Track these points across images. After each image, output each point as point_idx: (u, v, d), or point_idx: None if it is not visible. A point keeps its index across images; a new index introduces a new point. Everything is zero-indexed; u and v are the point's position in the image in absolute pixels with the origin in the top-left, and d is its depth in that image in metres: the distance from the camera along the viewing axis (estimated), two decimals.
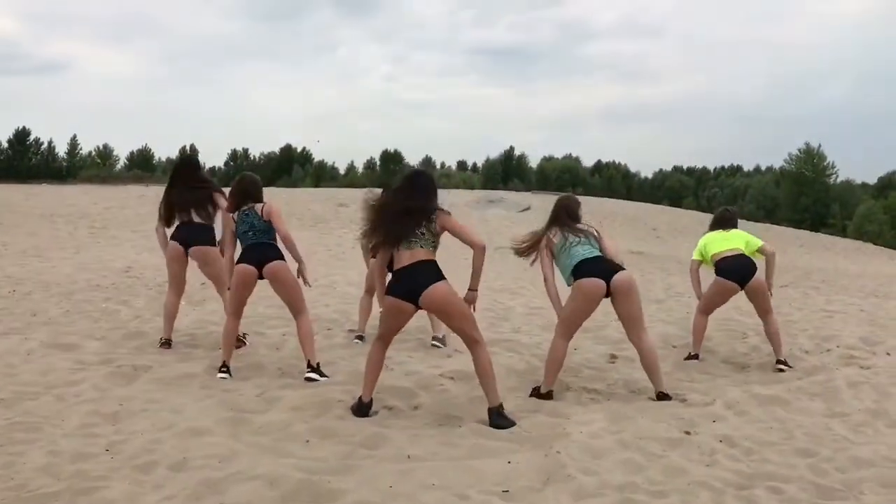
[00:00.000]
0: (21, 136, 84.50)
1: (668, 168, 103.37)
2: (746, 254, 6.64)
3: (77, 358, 5.99)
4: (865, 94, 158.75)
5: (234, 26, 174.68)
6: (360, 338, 6.99)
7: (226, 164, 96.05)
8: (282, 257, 5.74)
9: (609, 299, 5.41)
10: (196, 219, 6.41)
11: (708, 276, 6.86)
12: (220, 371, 5.68)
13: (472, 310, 4.88)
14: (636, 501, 3.65)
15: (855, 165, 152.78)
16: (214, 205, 6.46)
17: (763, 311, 6.62)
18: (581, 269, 5.39)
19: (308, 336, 5.75)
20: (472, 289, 4.89)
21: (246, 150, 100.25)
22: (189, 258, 6.43)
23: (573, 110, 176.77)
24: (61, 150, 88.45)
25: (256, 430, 4.51)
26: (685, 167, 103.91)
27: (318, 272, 12.08)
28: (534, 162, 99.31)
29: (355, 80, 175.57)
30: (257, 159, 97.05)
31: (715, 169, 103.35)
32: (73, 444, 4.16)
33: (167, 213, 6.53)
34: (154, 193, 20.21)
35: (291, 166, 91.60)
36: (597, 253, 5.47)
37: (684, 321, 8.22)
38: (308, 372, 5.63)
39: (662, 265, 16.28)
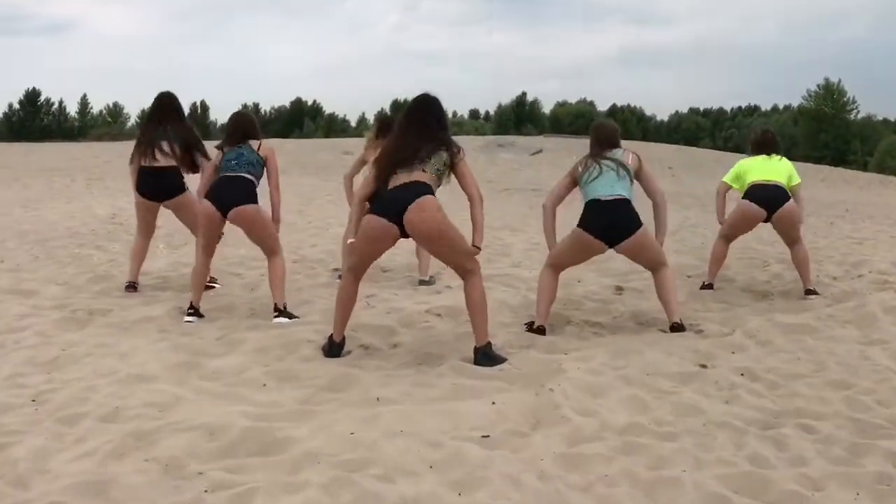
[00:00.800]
0: (32, 96, 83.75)
1: (685, 110, 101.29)
2: (785, 188, 5.95)
3: (33, 303, 5.47)
4: (887, 29, 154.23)
5: None
6: None
7: None
8: (251, 199, 5.14)
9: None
10: (160, 160, 5.85)
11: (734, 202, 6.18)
12: (188, 314, 5.16)
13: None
14: (642, 445, 3.07)
15: (877, 101, 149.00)
16: (188, 153, 5.91)
17: (791, 240, 5.97)
18: (586, 216, 4.83)
19: (279, 278, 5.23)
20: (477, 245, 4.28)
21: (256, 105, 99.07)
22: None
23: (587, 55, 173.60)
24: (72, 109, 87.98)
25: (208, 375, 3.96)
26: (701, 109, 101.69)
27: (313, 216, 11.55)
28: (547, 108, 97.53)
29: (365, 31, 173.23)
30: (268, 114, 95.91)
31: (732, 109, 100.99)
32: None
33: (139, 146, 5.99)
34: None
35: (302, 120, 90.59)
36: (615, 193, 4.79)
37: (699, 251, 7.57)
38: (275, 316, 5.10)
39: (678, 200, 15.54)
